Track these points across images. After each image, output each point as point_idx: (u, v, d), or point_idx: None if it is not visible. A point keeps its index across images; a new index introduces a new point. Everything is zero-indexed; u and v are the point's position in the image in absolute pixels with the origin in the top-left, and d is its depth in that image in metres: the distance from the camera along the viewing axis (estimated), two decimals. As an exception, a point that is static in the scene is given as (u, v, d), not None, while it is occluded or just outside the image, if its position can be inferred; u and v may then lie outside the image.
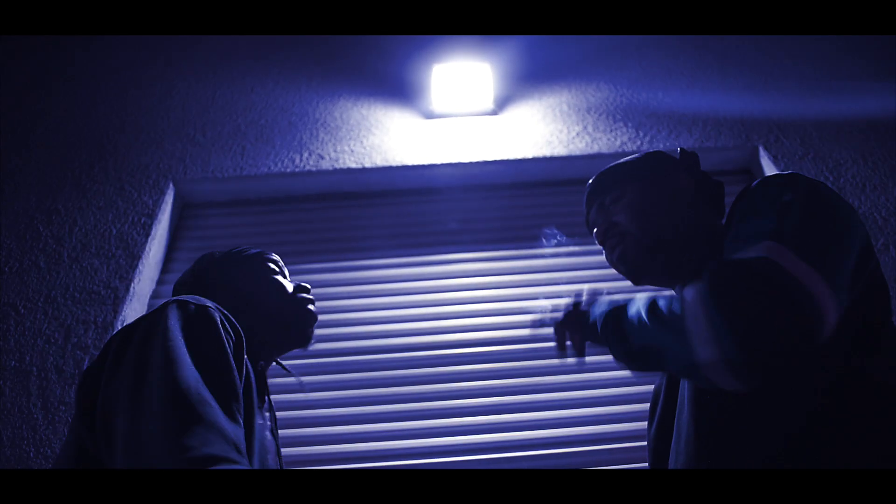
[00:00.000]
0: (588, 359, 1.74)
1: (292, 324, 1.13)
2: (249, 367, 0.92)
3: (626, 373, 1.71)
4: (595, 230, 1.10)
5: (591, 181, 1.15)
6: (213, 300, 0.98)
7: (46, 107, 2.31)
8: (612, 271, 1.90)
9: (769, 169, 2.08)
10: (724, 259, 0.76)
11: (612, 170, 1.12)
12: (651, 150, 1.15)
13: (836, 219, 0.80)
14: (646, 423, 1.47)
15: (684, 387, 0.89)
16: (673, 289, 1.08)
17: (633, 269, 1.04)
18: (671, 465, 0.93)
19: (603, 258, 1.93)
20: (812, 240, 0.76)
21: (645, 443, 1.44)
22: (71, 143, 2.19)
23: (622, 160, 1.14)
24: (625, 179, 1.08)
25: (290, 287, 1.16)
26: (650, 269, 1.03)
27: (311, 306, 1.15)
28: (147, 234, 1.92)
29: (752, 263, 0.72)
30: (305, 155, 2.14)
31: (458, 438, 1.62)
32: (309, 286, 1.19)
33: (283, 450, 1.62)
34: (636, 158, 1.12)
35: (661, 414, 1.05)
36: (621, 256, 1.04)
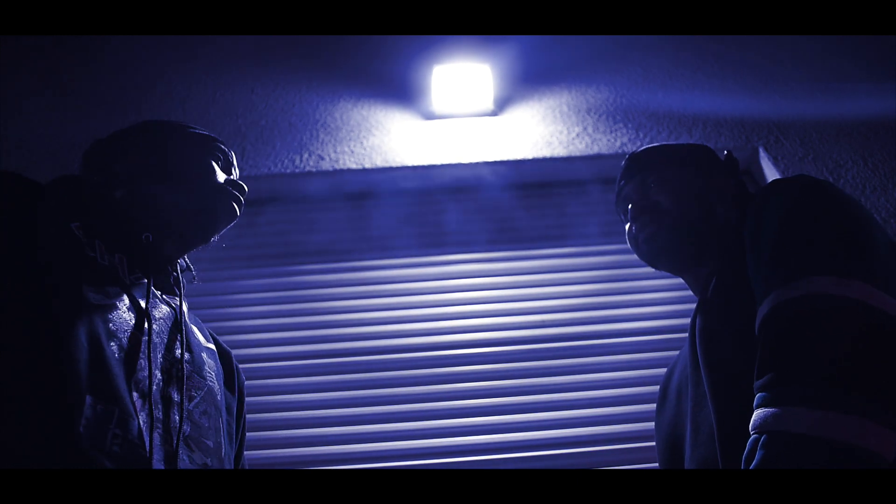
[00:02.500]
0: (593, 360, 1.75)
1: (202, 212, 1.01)
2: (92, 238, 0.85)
3: (633, 373, 1.71)
4: (629, 205, 1.10)
5: (632, 155, 1.15)
6: (118, 153, 0.96)
7: (46, 107, 2.31)
8: (616, 272, 1.92)
9: (769, 170, 2.08)
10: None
11: (659, 150, 1.12)
12: (699, 144, 1.17)
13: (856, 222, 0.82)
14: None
15: (704, 383, 0.89)
16: (683, 278, 1.09)
17: (659, 251, 1.04)
18: (687, 456, 0.93)
19: (606, 259, 1.94)
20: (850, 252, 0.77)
21: (652, 443, 1.43)
22: (71, 144, 2.19)
23: (669, 143, 1.15)
24: (672, 163, 1.09)
25: (221, 177, 1.05)
26: (675, 254, 1.04)
27: (235, 203, 1.05)
28: (147, 235, 1.91)
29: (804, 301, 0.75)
30: (305, 156, 2.14)
31: (465, 439, 1.62)
32: (244, 186, 1.08)
33: (292, 450, 1.62)
34: (684, 146, 1.13)
35: (675, 406, 1.04)
36: (652, 236, 1.04)
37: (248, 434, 1.29)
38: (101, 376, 0.72)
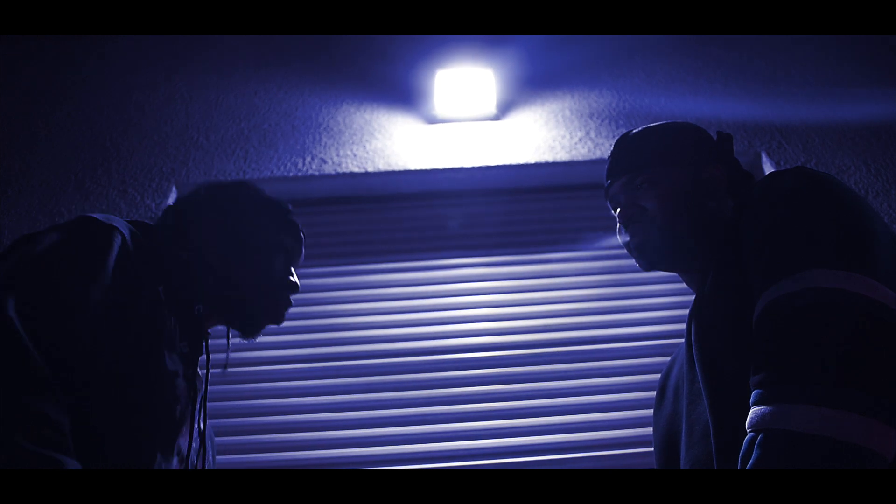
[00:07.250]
0: (596, 363, 1.75)
1: (255, 316, 1.02)
2: (168, 306, 0.86)
3: (633, 377, 1.71)
4: (617, 208, 1.05)
5: (619, 146, 1.08)
6: (185, 237, 0.93)
7: (50, 109, 2.31)
8: (615, 276, 1.92)
9: (772, 175, 2.08)
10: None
11: (646, 143, 1.05)
12: (688, 123, 1.07)
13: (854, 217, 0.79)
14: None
15: (699, 381, 0.87)
16: (679, 276, 1.06)
17: (650, 259, 1.00)
18: (682, 456, 0.92)
19: (607, 263, 1.94)
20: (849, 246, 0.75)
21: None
22: (74, 146, 2.19)
23: (657, 128, 1.07)
24: (660, 161, 1.02)
25: (281, 273, 1.04)
26: (666, 260, 1.00)
27: (284, 310, 1.06)
28: (149, 238, 1.91)
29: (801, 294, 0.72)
30: (308, 159, 2.14)
31: (459, 443, 1.62)
32: (298, 284, 1.07)
33: (297, 454, 1.62)
34: (674, 135, 1.05)
35: (673, 404, 1.03)
36: (641, 245, 1.00)
37: (266, 436, 1.59)
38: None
